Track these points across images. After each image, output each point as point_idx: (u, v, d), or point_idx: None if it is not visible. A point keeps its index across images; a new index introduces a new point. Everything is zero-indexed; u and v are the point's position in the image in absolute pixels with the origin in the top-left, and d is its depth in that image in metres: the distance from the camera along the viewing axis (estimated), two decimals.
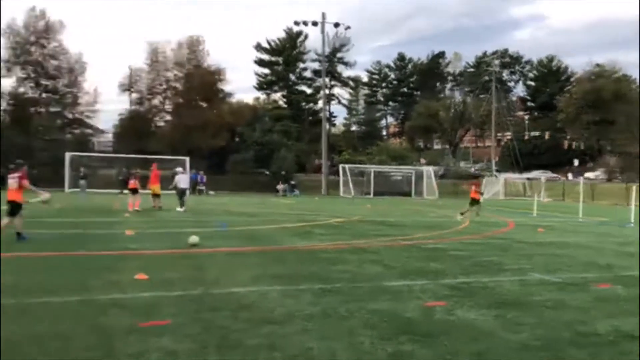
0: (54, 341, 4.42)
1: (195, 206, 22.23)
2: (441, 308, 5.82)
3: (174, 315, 5.29)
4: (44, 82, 49.26)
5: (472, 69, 79.84)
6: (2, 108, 50.51)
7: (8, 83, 48.98)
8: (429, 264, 8.90)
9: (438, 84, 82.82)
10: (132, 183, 19.80)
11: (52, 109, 49.82)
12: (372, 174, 46.14)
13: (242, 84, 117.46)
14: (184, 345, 4.38)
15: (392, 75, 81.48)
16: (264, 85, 69.94)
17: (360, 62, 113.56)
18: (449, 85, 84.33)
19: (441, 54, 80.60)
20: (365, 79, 78.88)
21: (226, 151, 49.79)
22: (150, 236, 12.06)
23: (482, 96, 68.14)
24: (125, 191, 21.77)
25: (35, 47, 47.95)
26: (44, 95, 49.80)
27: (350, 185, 44.71)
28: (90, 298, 5.92)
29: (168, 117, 53.44)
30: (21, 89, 49.33)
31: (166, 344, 4.40)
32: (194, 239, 10.27)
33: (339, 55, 70.20)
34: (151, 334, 4.68)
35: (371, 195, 43.62)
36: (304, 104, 70.08)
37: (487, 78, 68.25)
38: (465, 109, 72.87)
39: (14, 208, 10.43)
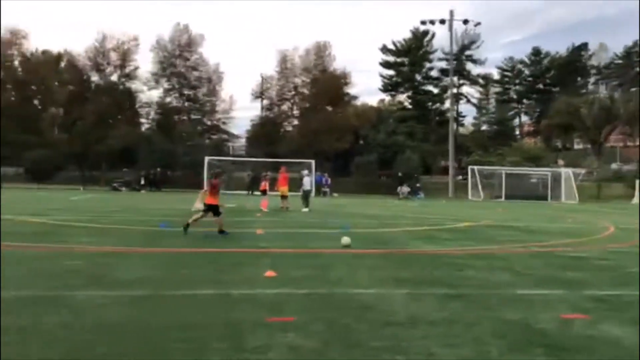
0: (192, 330, 4.78)
1: (319, 208, 22.79)
2: (581, 321, 5.31)
3: (299, 313, 5.44)
4: (186, 92, 53.95)
5: (620, 61, 72.33)
6: (150, 117, 56.33)
7: (156, 94, 54.52)
8: (567, 272, 8.19)
9: (579, 79, 76.20)
10: (263, 185, 20.93)
11: (193, 117, 54.38)
12: (504, 176, 43.78)
13: (367, 87, 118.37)
14: (308, 342, 4.48)
15: (527, 71, 76.51)
16: (389, 86, 69.74)
17: (491, 58, 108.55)
18: (592, 80, 77.20)
19: (583, 46, 74.09)
20: (496, 76, 75.11)
21: (350, 153, 50.47)
22: (278, 235, 12.58)
23: (632, 90, 61.41)
24: (257, 192, 22.97)
25: (180, 60, 52.64)
26: (186, 104, 54.54)
27: (480, 187, 42.86)
28: (224, 292, 6.32)
29: (295, 122, 55.54)
30: (167, 99, 54.55)
31: (291, 340, 4.54)
32: (346, 240, 10.42)
33: (467, 52, 67.72)
34: (277, 329, 4.87)
35: (502, 199, 41.43)
36: (430, 104, 68.66)
37: (638, 69, 61.33)
38: (613, 104, 66.09)
39: (213, 210, 11.71)
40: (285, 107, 56.00)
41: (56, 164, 47.35)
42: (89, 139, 48.91)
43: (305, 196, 21.36)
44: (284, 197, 21.61)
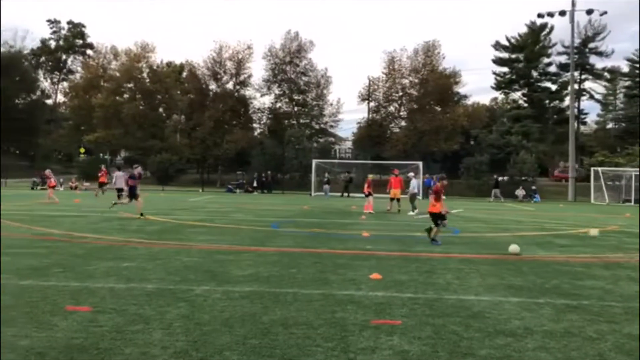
0: (299, 327, 4.92)
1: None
2: None
3: (405, 316, 5.39)
4: (296, 97, 55.58)
5: None
6: (262, 122, 58.83)
7: (268, 100, 56.80)
8: None
9: None
10: (367, 187, 20.94)
11: (302, 121, 55.88)
12: (634, 178, 39.86)
13: (478, 85, 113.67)
14: (415, 347, 4.42)
15: None
16: (502, 84, 66.45)
17: (619, 50, 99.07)
18: None
19: None
20: (625, 68, 68.54)
21: (460, 155, 48.84)
22: (384, 238, 12.53)
23: None
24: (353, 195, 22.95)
25: (290, 66, 54.40)
26: (295, 108, 56.20)
27: (604, 190, 39.41)
28: (329, 292, 6.42)
29: (403, 123, 54.92)
30: (278, 105, 56.60)
31: (397, 343, 4.51)
32: (514, 247, 10.12)
33: (591, 45, 62.56)
34: (383, 332, 4.86)
35: (632, 203, 37.73)
36: (547, 101, 64.35)
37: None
38: None
39: (435, 218, 11.70)
40: (392, 108, 55.55)
41: (178, 167, 51.08)
42: (207, 144, 52.24)
43: (412, 199, 21.10)
44: (395, 199, 21.48)
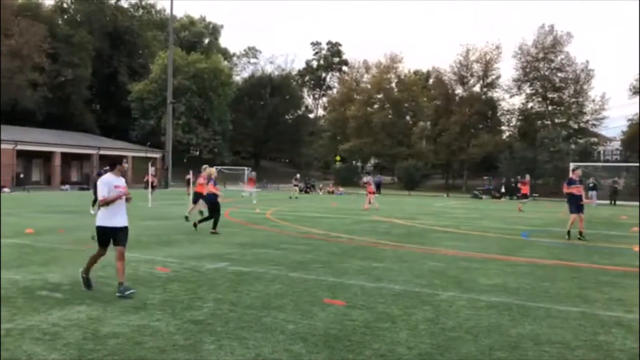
0: (552, 345, 4.53)
1: None
2: None
3: None
4: (550, 95, 51.14)
5: None
6: (511, 124, 55.67)
7: (518, 100, 53.56)
8: None
9: None
10: None
11: (557, 121, 51.09)
12: None
13: None
14: None
15: None
16: None
17: None
18: None
19: None
20: None
21: None
22: None
23: None
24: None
25: (544, 63, 50.37)
26: (549, 108, 51.69)
27: None
28: (590, 312, 5.75)
29: None
30: (529, 105, 52.90)
31: None
32: None
33: None
34: None
35: None
36: None
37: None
38: None
39: None
40: None
41: (424, 172, 51.96)
42: (453, 149, 51.91)
43: None
44: None
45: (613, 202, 33.10)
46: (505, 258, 9.52)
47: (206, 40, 76.38)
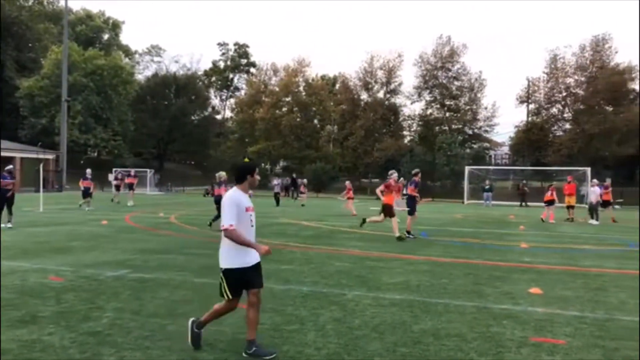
0: (451, 339, 4.79)
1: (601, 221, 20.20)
2: None
3: (569, 336, 4.96)
4: (447, 102, 54.25)
5: None
6: (412, 129, 58.38)
7: (418, 107, 56.31)
8: None
9: None
10: (549, 195, 20.07)
11: (453, 127, 54.29)
12: None
13: None
14: None
15: None
16: None
17: None
18: None
19: None
20: None
21: (637, 160, 43.38)
22: (545, 251, 11.62)
23: None
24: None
25: (442, 72, 53.31)
26: (447, 114, 54.82)
27: None
28: (484, 305, 6.15)
29: (567, 126, 50.52)
30: (428, 111, 55.76)
31: None
32: None
33: None
34: (544, 350, 4.53)
35: None
36: None
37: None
38: None
39: None
40: (554, 110, 51.41)
41: (331, 175, 52.93)
42: (359, 152, 53.40)
43: (591, 208, 19.67)
44: (570, 207, 20.94)
45: (524, 204, 34.77)
46: (406, 257, 9.93)
47: (105, 36, 72.47)
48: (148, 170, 46.97)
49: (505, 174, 46.23)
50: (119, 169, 36.51)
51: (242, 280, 4.34)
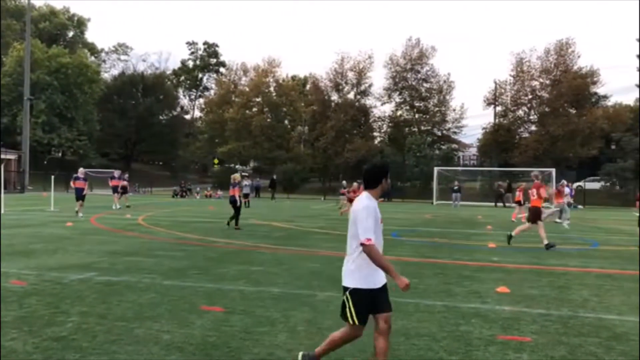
0: (421, 338, 4.84)
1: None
2: None
3: (535, 333, 5.06)
4: (417, 104, 54.86)
5: None
6: (382, 130, 58.86)
7: (388, 108, 56.76)
8: None
9: None
10: (518, 196, 20.84)
11: (423, 128, 54.94)
12: None
13: (621, 84, 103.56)
14: None
15: None
16: None
17: None
18: None
19: None
20: None
21: (599, 161, 44.76)
22: (513, 250, 11.87)
23: None
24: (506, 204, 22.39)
25: (411, 74, 53.88)
26: (416, 116, 55.44)
27: None
28: (453, 305, 6.23)
29: (533, 128, 51.74)
30: (398, 113, 56.29)
31: None
32: None
33: None
34: (511, 348, 4.61)
35: None
36: None
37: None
38: None
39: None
40: (521, 112, 52.56)
41: (302, 176, 52.90)
42: (329, 153, 53.51)
43: (560, 209, 20.17)
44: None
45: (503, 204, 34.77)
46: None
47: (70, 34, 70.80)
48: (115, 170, 46.03)
49: (473, 174, 47.07)
50: (85, 170, 35.60)
51: (371, 304, 3.79)
